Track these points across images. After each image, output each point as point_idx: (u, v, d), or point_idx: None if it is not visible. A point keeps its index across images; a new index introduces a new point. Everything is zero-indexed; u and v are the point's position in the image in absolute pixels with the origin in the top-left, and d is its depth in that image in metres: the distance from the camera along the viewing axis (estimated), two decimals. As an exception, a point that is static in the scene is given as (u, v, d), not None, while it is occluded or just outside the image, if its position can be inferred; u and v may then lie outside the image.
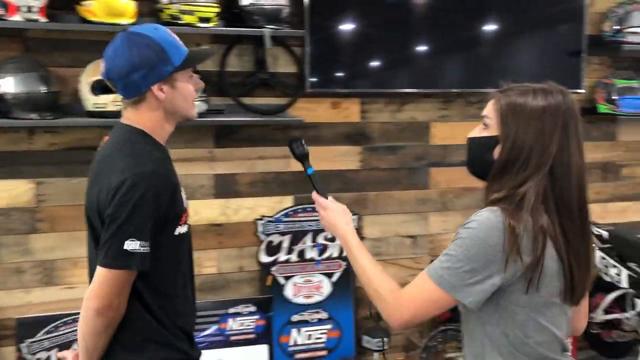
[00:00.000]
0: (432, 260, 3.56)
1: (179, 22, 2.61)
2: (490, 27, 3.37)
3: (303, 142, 1.66)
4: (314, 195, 1.60)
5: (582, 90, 3.49)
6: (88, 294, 1.43)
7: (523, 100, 1.34)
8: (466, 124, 3.45)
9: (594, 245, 1.40)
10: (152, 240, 1.42)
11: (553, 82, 1.39)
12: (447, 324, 3.22)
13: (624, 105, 3.44)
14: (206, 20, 2.64)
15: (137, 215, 1.39)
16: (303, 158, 1.65)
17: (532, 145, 1.29)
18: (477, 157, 1.42)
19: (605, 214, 3.74)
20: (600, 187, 3.76)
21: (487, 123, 1.38)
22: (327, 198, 1.59)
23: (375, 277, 1.41)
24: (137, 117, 1.54)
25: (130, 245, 1.38)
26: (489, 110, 1.39)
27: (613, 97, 3.46)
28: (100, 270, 1.41)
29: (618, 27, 3.43)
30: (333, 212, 1.55)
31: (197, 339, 1.78)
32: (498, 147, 1.34)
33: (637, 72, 3.62)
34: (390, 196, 3.36)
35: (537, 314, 1.32)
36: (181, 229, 1.53)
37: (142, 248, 1.40)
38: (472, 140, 1.45)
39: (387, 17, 3.13)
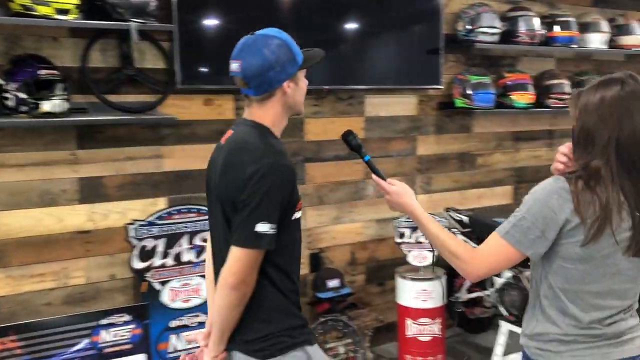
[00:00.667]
0: (311, 255, 3.61)
1: (33, 13, 2.38)
2: (355, 26, 3.49)
3: (355, 135, 1.85)
4: (374, 178, 1.78)
5: (441, 86, 3.74)
6: (224, 272, 1.60)
7: (587, 95, 1.54)
8: (338, 120, 3.55)
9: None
10: (278, 223, 1.59)
11: (626, 71, 1.59)
12: (326, 315, 3.30)
13: (478, 99, 3.72)
14: (64, 12, 2.43)
15: (267, 201, 1.56)
16: (358, 149, 1.83)
17: (595, 129, 1.50)
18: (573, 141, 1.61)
19: (464, 201, 4.04)
20: (458, 176, 4.06)
21: (572, 116, 1.60)
22: (385, 180, 1.76)
23: (448, 241, 1.62)
24: (262, 113, 1.69)
25: (261, 227, 1.55)
26: (570, 106, 1.62)
27: (468, 92, 3.74)
28: (234, 250, 1.58)
29: (470, 27, 3.71)
30: (395, 194, 1.73)
31: (65, 356, 1.72)
32: (575, 131, 1.57)
33: (487, 69, 3.95)
34: (267, 193, 3.36)
35: (593, 267, 1.52)
36: (297, 214, 1.69)
37: (271, 230, 1.57)
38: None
39: (256, 13, 3.11)
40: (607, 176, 1.48)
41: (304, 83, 1.75)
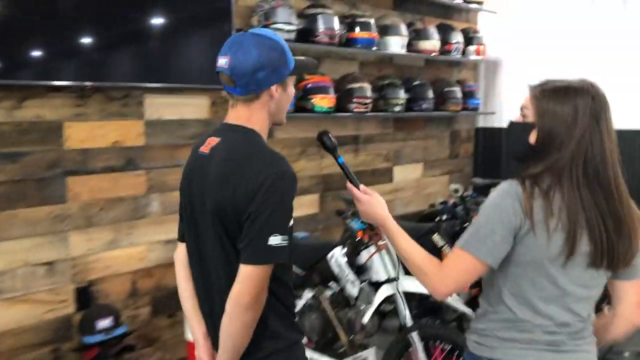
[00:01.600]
0: (77, 290, 2.97)
1: None
2: (136, 15, 2.93)
3: (330, 135, 1.78)
4: (348, 185, 1.73)
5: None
6: (236, 293, 1.49)
7: (553, 101, 1.53)
8: (110, 124, 2.96)
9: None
10: (289, 234, 1.53)
11: (585, 79, 1.56)
12: None
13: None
14: None
15: (279, 212, 1.49)
16: (334, 150, 1.77)
17: (563, 137, 1.49)
18: (516, 140, 1.64)
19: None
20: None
21: (525, 114, 1.59)
22: (359, 187, 1.72)
23: (417, 257, 1.60)
24: (248, 115, 1.59)
25: (274, 240, 1.47)
26: (527, 102, 1.57)
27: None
28: (247, 269, 1.48)
29: (265, 23, 3.35)
30: (367, 205, 1.69)
31: None
32: (534, 132, 1.55)
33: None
34: (14, 216, 2.66)
35: (544, 272, 1.52)
36: (291, 221, 1.60)
37: (284, 242, 1.49)
38: (512, 124, 1.78)
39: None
40: (567, 185, 1.48)
41: (291, 90, 1.67)
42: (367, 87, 3.90)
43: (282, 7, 3.38)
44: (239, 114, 1.59)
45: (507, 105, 5.18)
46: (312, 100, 3.59)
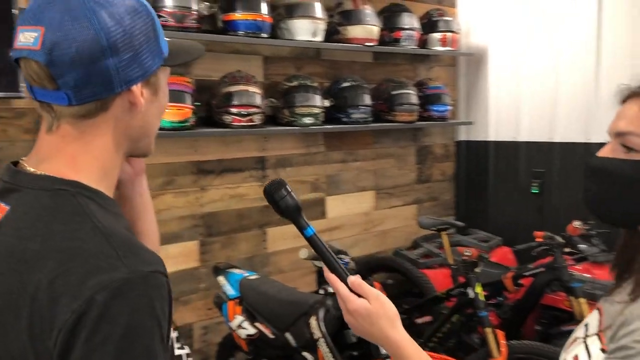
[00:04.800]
0: None
1: None
2: None
3: (289, 188, 1.01)
4: (327, 276, 1.00)
5: (23, 94, 2.27)
6: None
7: None
8: None
9: None
10: None
11: None
12: None
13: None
14: None
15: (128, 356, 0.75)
16: (295, 213, 1.00)
17: None
18: (616, 194, 0.96)
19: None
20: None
21: (631, 143, 0.95)
22: (346, 280, 0.98)
23: None
24: (77, 150, 0.84)
25: None
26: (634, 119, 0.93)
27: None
28: None
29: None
30: (362, 318, 0.96)
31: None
32: None
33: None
34: None
35: None
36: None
37: None
38: (605, 163, 0.98)
39: None
40: None
41: (165, 94, 0.92)
42: (252, 92, 2.75)
43: None
44: (57, 148, 0.84)
45: (494, 112, 3.92)
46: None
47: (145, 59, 0.84)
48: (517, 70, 3.74)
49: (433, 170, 4.09)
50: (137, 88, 0.85)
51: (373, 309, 0.97)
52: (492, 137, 3.95)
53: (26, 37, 0.80)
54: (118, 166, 0.89)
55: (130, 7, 0.83)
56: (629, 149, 0.95)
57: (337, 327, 2.10)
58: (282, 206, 1.01)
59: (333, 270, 1.00)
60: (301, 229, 1.02)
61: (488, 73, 3.93)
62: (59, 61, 0.79)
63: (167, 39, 0.91)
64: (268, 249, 3.22)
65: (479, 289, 2.53)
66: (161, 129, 2.42)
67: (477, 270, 2.59)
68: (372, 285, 1.00)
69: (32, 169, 0.84)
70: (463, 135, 4.16)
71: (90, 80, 0.80)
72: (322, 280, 2.25)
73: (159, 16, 2.40)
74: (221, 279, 2.56)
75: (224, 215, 3.02)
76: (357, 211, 3.65)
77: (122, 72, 0.82)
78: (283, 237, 3.26)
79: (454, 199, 4.24)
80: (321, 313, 2.10)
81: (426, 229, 3.02)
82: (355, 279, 0.99)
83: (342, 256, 2.11)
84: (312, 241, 1.01)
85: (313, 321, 2.09)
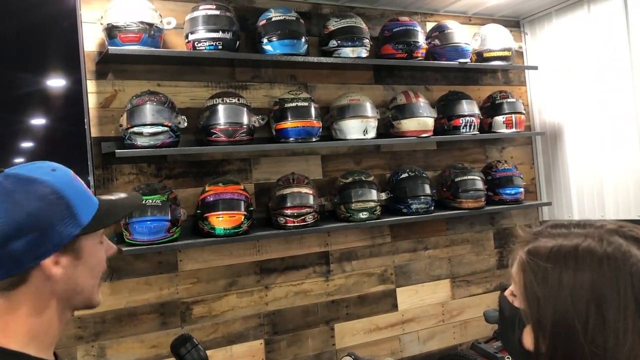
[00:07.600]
0: None
1: None
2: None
3: (195, 341, 1.11)
4: None
5: None
6: None
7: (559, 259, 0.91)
8: None
9: None
10: None
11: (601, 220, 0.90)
12: None
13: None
14: None
15: None
16: None
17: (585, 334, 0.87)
18: (506, 331, 1.03)
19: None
20: (160, 337, 2.76)
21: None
22: None
23: None
24: (7, 317, 0.94)
25: None
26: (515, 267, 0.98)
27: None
28: None
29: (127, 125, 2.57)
30: None
31: None
32: (528, 330, 0.94)
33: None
34: None
35: None
36: None
37: None
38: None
39: None
40: None
41: (98, 253, 1.04)
42: (305, 193, 2.85)
43: (151, 103, 2.57)
44: None
45: (576, 190, 3.70)
46: (208, 220, 2.65)
47: (55, 235, 0.95)
48: (598, 145, 3.54)
49: (516, 254, 3.88)
50: (49, 260, 0.95)
51: None
52: (576, 216, 3.71)
53: None
54: (53, 325, 0.99)
55: (38, 193, 0.95)
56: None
57: None
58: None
59: None
60: None
61: (566, 151, 3.75)
62: None
63: (103, 198, 1.03)
64: (337, 345, 3.20)
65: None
66: (215, 236, 2.59)
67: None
68: None
69: None
70: (547, 215, 3.95)
71: (2, 261, 0.93)
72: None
73: (213, 133, 2.64)
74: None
75: (289, 313, 3.08)
76: (432, 301, 3.54)
77: (28, 251, 0.93)
78: (352, 332, 3.24)
79: (544, 282, 3.97)
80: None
81: (493, 324, 2.85)
82: None
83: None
84: None
85: None
